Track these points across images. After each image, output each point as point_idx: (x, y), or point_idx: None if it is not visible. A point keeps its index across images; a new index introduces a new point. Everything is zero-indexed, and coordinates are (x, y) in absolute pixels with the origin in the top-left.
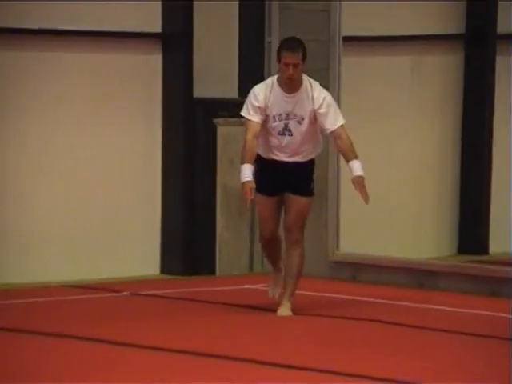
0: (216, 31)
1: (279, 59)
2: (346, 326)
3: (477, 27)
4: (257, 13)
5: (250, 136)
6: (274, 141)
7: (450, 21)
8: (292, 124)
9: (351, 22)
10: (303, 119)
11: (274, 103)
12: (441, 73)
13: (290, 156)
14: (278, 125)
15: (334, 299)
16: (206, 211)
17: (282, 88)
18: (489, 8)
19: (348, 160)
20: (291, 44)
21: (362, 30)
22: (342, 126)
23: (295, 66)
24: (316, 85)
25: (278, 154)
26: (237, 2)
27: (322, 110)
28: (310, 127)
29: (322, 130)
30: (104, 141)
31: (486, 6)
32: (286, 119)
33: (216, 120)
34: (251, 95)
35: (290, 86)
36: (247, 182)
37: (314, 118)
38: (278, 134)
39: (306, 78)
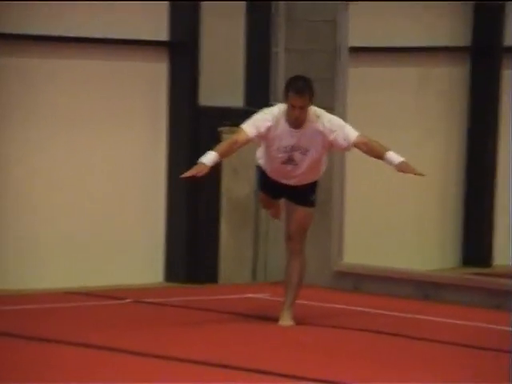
0: (222, 40)
1: (286, 98)
2: (348, 337)
3: (483, 40)
4: (263, 23)
5: (235, 139)
6: (278, 167)
7: (457, 33)
8: (296, 155)
9: (358, 32)
10: (308, 151)
11: (280, 136)
12: (447, 85)
13: (293, 181)
14: (283, 156)
15: (336, 309)
16: (210, 220)
17: (289, 123)
18: (495, 21)
19: (382, 157)
20: (299, 86)
21: (368, 41)
22: (358, 135)
23: (302, 107)
24: (322, 116)
25: (281, 178)
26: (243, 12)
27: (332, 137)
28: (315, 157)
29: (344, 151)
30: (109, 148)
31: (493, 19)
32: (290, 151)
33: (221, 129)
34: (259, 116)
35: (296, 123)
36: (203, 163)
37: (329, 146)
38: (282, 163)
39: (312, 111)
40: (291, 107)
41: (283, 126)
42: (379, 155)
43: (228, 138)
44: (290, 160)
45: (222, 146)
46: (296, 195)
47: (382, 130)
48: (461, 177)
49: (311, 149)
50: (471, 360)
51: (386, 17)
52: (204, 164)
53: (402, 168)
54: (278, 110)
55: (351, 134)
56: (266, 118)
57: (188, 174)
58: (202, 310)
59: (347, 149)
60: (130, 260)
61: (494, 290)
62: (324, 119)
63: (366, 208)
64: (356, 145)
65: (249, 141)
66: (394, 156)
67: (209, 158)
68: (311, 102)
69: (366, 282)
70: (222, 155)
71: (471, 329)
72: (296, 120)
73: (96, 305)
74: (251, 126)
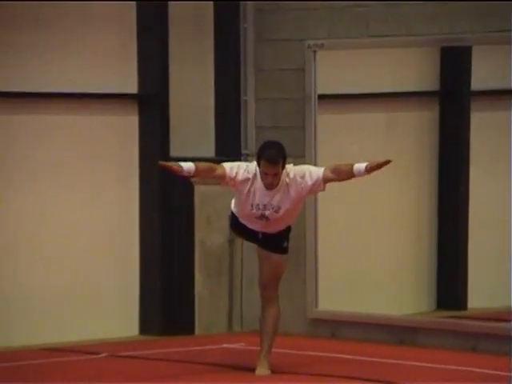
0: (192, 90)
1: (259, 164)
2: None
3: (451, 84)
4: (232, 72)
5: (215, 167)
6: (251, 220)
7: (425, 78)
8: (268, 212)
9: (326, 80)
10: (280, 208)
11: (254, 192)
12: (416, 129)
13: (265, 231)
14: (256, 212)
15: (312, 357)
16: (185, 270)
17: (263, 184)
18: (462, 65)
19: (351, 173)
20: (271, 155)
21: (337, 88)
22: (323, 169)
23: (275, 174)
24: (291, 171)
25: (254, 228)
26: (212, 61)
27: (305, 188)
28: (289, 211)
29: (320, 191)
30: (80, 203)
31: (460, 64)
32: (263, 209)
33: (193, 180)
34: (242, 165)
35: (270, 187)
36: (180, 165)
37: (305, 196)
38: (255, 217)
39: (284, 172)
40: (264, 174)
41: (259, 183)
42: (349, 173)
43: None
44: (262, 216)
45: (202, 164)
46: (269, 242)
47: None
48: (434, 220)
49: (284, 206)
50: None
51: (355, 63)
52: (181, 166)
53: (371, 169)
54: (254, 169)
55: (317, 172)
56: (247, 170)
57: (165, 163)
58: (179, 362)
59: (321, 188)
60: (105, 314)
61: (469, 333)
62: (294, 174)
63: (340, 254)
64: (327, 179)
65: (224, 177)
66: (359, 165)
67: (187, 165)
68: (284, 167)
69: (342, 328)
70: (198, 171)
71: (447, 372)
72: (270, 185)
73: (71, 360)
74: (231, 167)
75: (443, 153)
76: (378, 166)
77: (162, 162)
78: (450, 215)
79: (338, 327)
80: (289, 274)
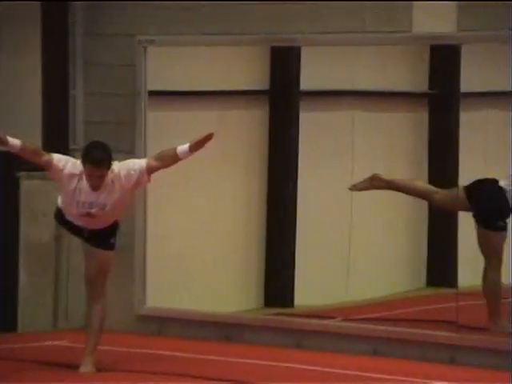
0: (18, 83)
1: (84, 165)
2: (149, 381)
3: (280, 83)
4: (60, 65)
5: (40, 149)
6: (77, 217)
7: (255, 77)
8: (94, 210)
9: (157, 76)
10: (106, 206)
11: (79, 190)
12: (246, 127)
13: (91, 227)
14: (82, 210)
15: (139, 354)
16: (8, 267)
17: (88, 184)
18: (291, 65)
19: (176, 156)
20: (96, 158)
21: (167, 85)
22: (147, 159)
23: (100, 176)
24: (116, 168)
25: (80, 224)
26: (39, 53)
27: (130, 182)
28: (116, 207)
29: (146, 183)
30: None
31: (290, 63)
32: (89, 208)
33: (19, 174)
34: (71, 160)
35: (95, 188)
36: (4, 136)
37: (132, 190)
38: (80, 215)
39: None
40: (88, 176)
41: (84, 183)
42: (173, 157)
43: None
44: (88, 214)
45: (30, 145)
46: (95, 238)
47: (180, 174)
48: (262, 217)
49: (111, 203)
50: None
51: (187, 61)
52: (7, 138)
53: (195, 147)
54: (80, 165)
55: (141, 164)
56: (75, 167)
57: None
58: (2, 360)
59: (147, 179)
60: None
61: (294, 330)
62: (118, 169)
63: (169, 251)
64: (151, 168)
65: (50, 165)
66: (182, 147)
67: (14, 140)
68: (109, 168)
69: (169, 325)
70: (23, 150)
71: (272, 369)
72: (95, 187)
73: None
74: (59, 159)
75: (272, 151)
76: (201, 142)
77: None
78: (278, 214)
79: (165, 324)
80: (117, 270)
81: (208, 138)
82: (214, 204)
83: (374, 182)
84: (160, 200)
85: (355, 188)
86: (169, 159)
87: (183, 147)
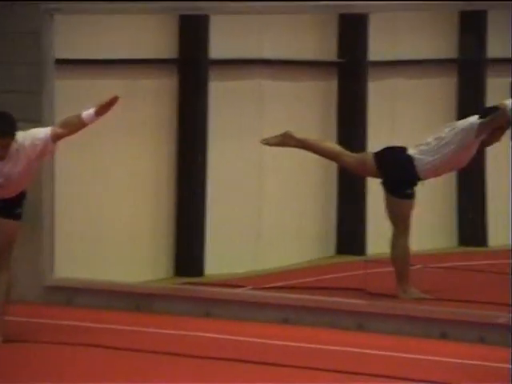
0: None
1: None
2: (58, 352)
3: (189, 52)
4: None
5: None
6: None
7: (163, 46)
8: (0, 181)
9: (64, 44)
10: (11, 176)
11: None
12: (155, 96)
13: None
14: None
15: (48, 325)
16: None
17: None
18: (199, 33)
19: (81, 121)
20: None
21: (75, 54)
22: (51, 128)
23: (4, 146)
24: (21, 138)
25: None
26: None
27: (32, 150)
28: (23, 177)
29: (52, 152)
30: None
31: (197, 32)
32: None
33: None
34: None
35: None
36: None
37: (37, 159)
38: None
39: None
40: None
41: None
42: (79, 123)
43: None
44: None
45: None
46: (1, 208)
47: (90, 144)
48: (172, 189)
49: (17, 173)
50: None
51: (99, 28)
52: None
53: (100, 111)
54: None
55: (45, 132)
56: None
57: None
58: None
59: (52, 147)
60: None
61: (203, 299)
62: (23, 139)
63: (78, 221)
64: (56, 136)
65: None
66: (88, 112)
67: None
68: (13, 138)
69: (79, 296)
70: None
71: (180, 338)
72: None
73: None
74: None
75: (181, 121)
76: (107, 106)
77: None
78: (188, 184)
79: (74, 294)
80: (25, 240)
81: (113, 101)
82: (123, 175)
83: (286, 140)
84: (68, 170)
85: (266, 142)
86: (74, 125)
87: (88, 112)
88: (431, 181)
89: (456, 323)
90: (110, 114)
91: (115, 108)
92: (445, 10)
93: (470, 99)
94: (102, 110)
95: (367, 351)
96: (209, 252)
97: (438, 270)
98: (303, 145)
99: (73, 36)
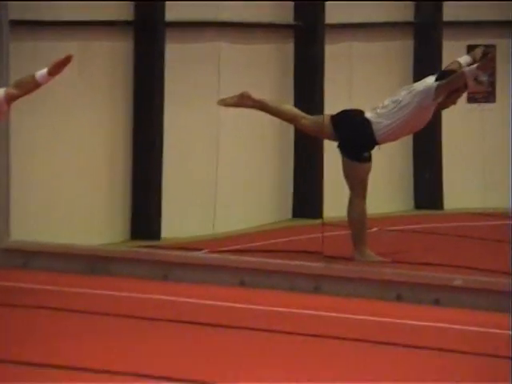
0: None
1: None
2: (14, 314)
3: (145, 14)
4: None
5: None
6: None
7: (120, 8)
8: None
9: (20, 5)
10: None
11: None
12: (110, 59)
13: None
14: None
15: (3, 287)
16: None
17: None
18: None
19: (34, 80)
20: None
21: (30, 15)
22: (5, 89)
23: None
24: None
25: None
26: None
27: None
28: None
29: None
30: None
31: None
32: None
33: None
34: None
35: None
36: None
37: None
38: None
39: None
40: None
41: None
42: (33, 83)
43: None
44: None
45: None
46: None
47: (45, 108)
48: (128, 152)
49: None
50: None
51: None
52: None
53: (54, 71)
54: None
55: None
56: None
57: None
58: None
59: (6, 108)
60: None
61: (160, 262)
62: None
63: (33, 183)
64: (10, 96)
65: None
66: (41, 71)
67: None
68: None
69: (35, 259)
70: None
71: (137, 300)
72: None
73: None
74: None
75: (137, 84)
76: (60, 65)
77: None
78: (144, 147)
79: (31, 257)
80: None
81: (67, 60)
82: (78, 137)
83: (243, 100)
84: (24, 131)
85: (223, 103)
86: (28, 86)
87: (42, 72)
88: (388, 144)
89: (412, 285)
90: (64, 76)
91: (69, 68)
92: None
93: (426, 62)
94: (56, 69)
95: (323, 313)
96: (165, 215)
97: (394, 233)
98: (260, 106)
99: None
